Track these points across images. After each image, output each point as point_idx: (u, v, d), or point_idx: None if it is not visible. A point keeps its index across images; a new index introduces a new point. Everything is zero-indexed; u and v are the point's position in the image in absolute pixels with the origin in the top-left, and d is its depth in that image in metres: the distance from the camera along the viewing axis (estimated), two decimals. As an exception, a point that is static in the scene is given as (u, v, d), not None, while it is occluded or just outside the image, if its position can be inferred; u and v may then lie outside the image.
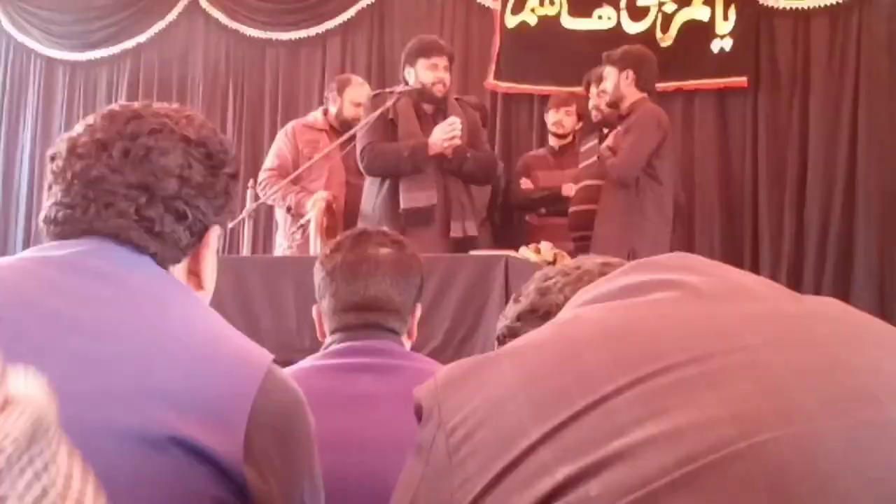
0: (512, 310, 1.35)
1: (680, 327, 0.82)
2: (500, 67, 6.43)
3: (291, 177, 4.91)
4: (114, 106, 1.31)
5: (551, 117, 5.52)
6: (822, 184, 5.70)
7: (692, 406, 0.73)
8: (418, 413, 0.86)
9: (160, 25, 7.39)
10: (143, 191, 1.23)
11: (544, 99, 6.13)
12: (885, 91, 5.61)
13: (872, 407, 0.73)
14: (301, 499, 1.23)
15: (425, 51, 4.66)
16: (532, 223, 5.47)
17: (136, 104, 1.31)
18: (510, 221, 5.54)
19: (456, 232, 4.57)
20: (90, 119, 1.28)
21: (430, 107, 4.70)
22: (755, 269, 5.71)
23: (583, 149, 5.17)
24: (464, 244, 4.49)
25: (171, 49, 7.39)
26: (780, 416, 0.72)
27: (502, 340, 1.32)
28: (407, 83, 4.69)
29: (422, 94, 4.65)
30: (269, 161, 5.28)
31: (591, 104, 5.08)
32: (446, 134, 4.48)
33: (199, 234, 1.30)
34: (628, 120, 4.60)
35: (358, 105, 5.15)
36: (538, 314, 1.25)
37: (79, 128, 1.28)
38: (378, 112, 4.64)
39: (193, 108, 1.40)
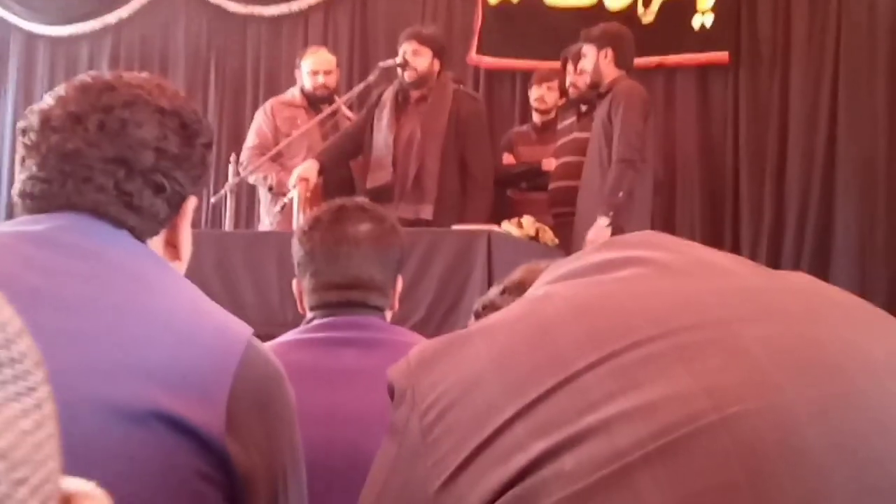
0: (495, 288, 1.36)
1: (650, 302, 0.82)
2: (482, 42, 6.41)
3: (270, 154, 4.91)
4: (84, 77, 1.29)
5: (534, 93, 5.52)
6: (802, 160, 5.72)
7: (664, 380, 0.74)
8: (391, 393, 0.87)
9: (141, 1, 7.33)
10: (120, 165, 1.22)
11: (526, 74, 6.11)
12: (865, 67, 5.62)
13: (842, 379, 0.74)
14: (283, 471, 1.24)
15: (400, 40, 4.85)
16: (513, 198, 5.48)
17: (107, 75, 1.30)
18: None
19: (405, 213, 4.59)
20: (61, 91, 1.27)
21: (415, 92, 4.75)
22: (735, 245, 5.73)
23: (560, 126, 5.17)
24: (416, 227, 4.49)
25: (152, 24, 7.32)
26: (751, 388, 0.73)
27: (480, 315, 1.33)
28: (403, 65, 4.80)
29: (401, 80, 4.79)
30: (250, 139, 5.27)
31: (567, 81, 5.09)
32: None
33: (177, 206, 1.30)
34: (608, 98, 4.60)
35: (315, 73, 5.16)
36: (524, 287, 1.27)
37: (50, 100, 1.26)
38: (356, 91, 4.77)
39: (175, 83, 1.38)
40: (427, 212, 4.67)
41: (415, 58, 4.76)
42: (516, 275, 1.34)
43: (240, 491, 1.16)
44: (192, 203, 1.33)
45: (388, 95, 4.81)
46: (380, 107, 4.82)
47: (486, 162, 5.01)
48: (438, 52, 4.87)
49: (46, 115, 1.24)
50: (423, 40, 4.81)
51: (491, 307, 1.31)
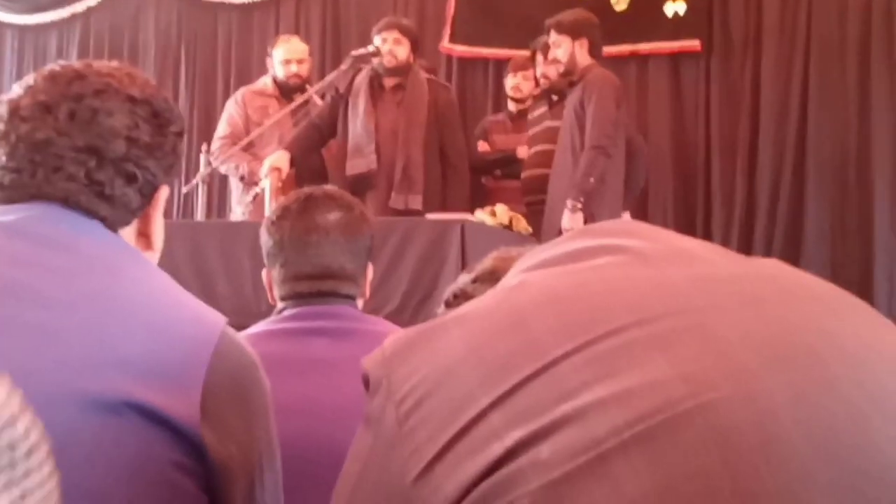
0: (466, 276, 1.35)
1: (626, 290, 0.82)
2: (454, 31, 6.40)
3: (242, 143, 4.88)
4: (54, 66, 1.27)
5: (510, 81, 5.53)
6: (773, 147, 5.76)
7: (640, 368, 0.74)
8: (366, 383, 0.87)
9: (110, -12, 7.28)
10: (91, 154, 1.21)
11: (499, 63, 6.12)
12: (836, 55, 5.66)
13: (817, 365, 0.75)
14: (259, 460, 1.23)
15: (379, 28, 4.85)
16: (488, 185, 5.49)
17: (76, 63, 1.28)
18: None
19: (396, 203, 4.66)
20: (30, 80, 1.25)
21: (391, 80, 4.75)
22: (707, 232, 5.77)
23: (531, 116, 5.18)
24: (407, 216, 4.52)
25: (121, 13, 7.27)
26: (727, 375, 0.73)
27: (451, 303, 1.32)
28: (376, 54, 4.81)
29: (380, 67, 4.80)
30: (221, 129, 5.23)
31: (538, 72, 5.09)
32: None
33: (149, 196, 1.29)
34: (580, 86, 4.60)
35: (288, 62, 5.15)
36: (497, 277, 1.26)
37: (18, 89, 1.24)
38: (328, 80, 4.76)
39: (145, 73, 1.37)
40: (417, 202, 4.70)
41: (396, 46, 4.79)
42: (488, 263, 1.33)
43: (215, 480, 1.15)
44: (164, 192, 1.32)
45: (362, 82, 4.81)
46: (353, 94, 4.81)
47: (463, 150, 5.08)
48: (415, 44, 4.92)
49: (15, 105, 1.22)
50: (403, 30, 4.85)
51: (462, 296, 1.30)
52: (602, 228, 0.96)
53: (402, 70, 4.81)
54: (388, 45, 4.76)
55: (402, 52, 4.80)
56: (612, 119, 4.50)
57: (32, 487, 0.54)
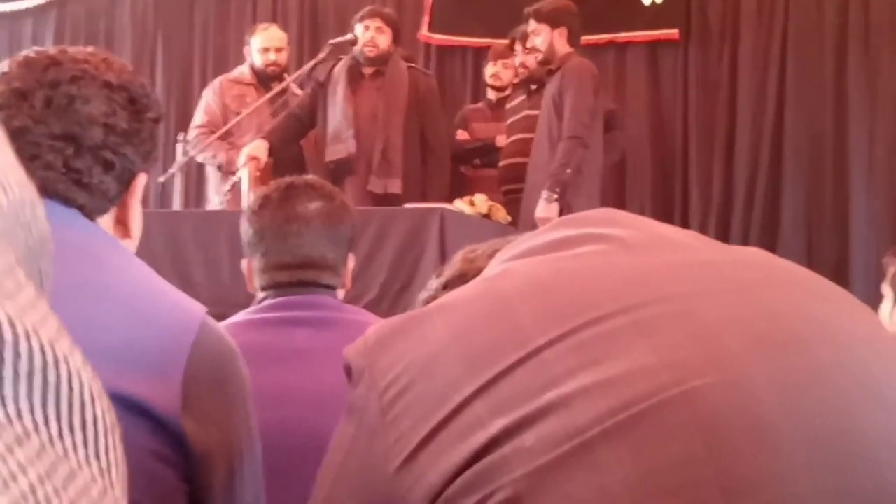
0: (436, 281, 1.34)
1: (609, 278, 0.82)
2: (433, 19, 6.39)
3: (219, 133, 4.85)
4: (28, 52, 1.26)
5: (489, 70, 5.52)
6: (750, 136, 5.78)
7: (624, 355, 0.74)
8: (348, 373, 0.86)
9: (86, -26, 7.21)
10: (69, 141, 1.19)
11: (478, 51, 6.11)
12: (813, 44, 5.68)
13: (801, 351, 0.75)
14: (239, 449, 1.23)
15: (361, 17, 4.84)
16: (466, 174, 5.49)
17: (51, 49, 1.26)
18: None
19: (375, 187, 4.65)
20: (4, 66, 1.23)
21: (370, 69, 4.75)
22: (685, 220, 5.79)
23: (510, 105, 5.18)
24: (386, 201, 4.52)
25: (97, 0, 7.21)
26: (711, 362, 0.73)
27: None
28: (354, 42, 4.79)
29: (361, 56, 4.79)
30: (198, 118, 5.19)
31: (517, 61, 5.08)
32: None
33: (127, 183, 1.28)
34: (558, 74, 4.60)
35: (266, 50, 5.12)
36: (466, 279, 1.25)
37: None
38: (307, 68, 4.75)
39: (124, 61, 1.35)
40: (396, 186, 4.69)
41: (378, 35, 4.77)
42: (456, 266, 1.32)
43: (196, 470, 1.15)
44: (142, 180, 1.31)
45: (341, 71, 4.79)
46: (332, 83, 4.79)
47: (444, 137, 5.08)
48: (397, 34, 4.92)
49: None
50: (386, 20, 4.85)
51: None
52: (584, 217, 0.96)
53: (382, 59, 4.80)
54: (371, 34, 4.74)
55: (384, 41, 4.78)
56: (589, 108, 4.50)
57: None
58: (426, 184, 4.85)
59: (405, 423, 0.78)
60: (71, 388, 0.42)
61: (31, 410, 0.39)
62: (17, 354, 0.39)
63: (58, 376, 0.41)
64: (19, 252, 0.46)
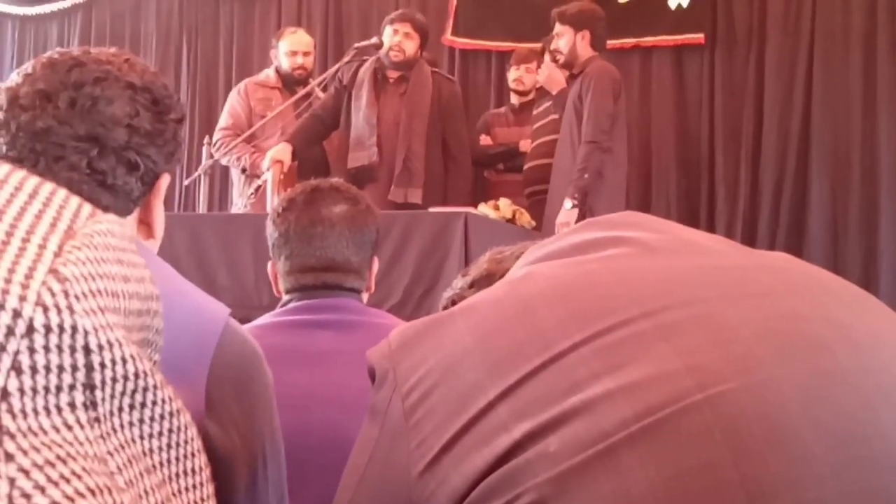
0: (461, 281, 1.34)
1: (633, 282, 0.82)
2: (457, 23, 6.39)
3: (245, 136, 4.88)
4: (52, 53, 1.26)
5: (512, 74, 5.52)
6: (777, 140, 5.74)
7: (648, 359, 0.74)
8: (372, 376, 0.86)
9: (111, -22, 7.26)
10: (93, 142, 1.20)
11: (502, 55, 6.11)
12: (840, 48, 5.64)
13: (825, 356, 0.75)
14: (262, 451, 1.23)
15: (391, 19, 4.82)
16: (490, 179, 5.48)
17: (75, 51, 1.26)
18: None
19: (395, 196, 4.64)
20: (28, 68, 1.24)
21: (394, 73, 4.74)
22: (711, 225, 5.76)
23: (536, 111, 5.17)
24: (406, 209, 4.50)
25: (122, 2, 7.25)
26: (734, 366, 0.73)
27: (449, 307, 1.31)
28: (379, 46, 4.78)
29: (387, 60, 4.78)
30: (223, 120, 5.23)
31: (542, 73, 5.06)
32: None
33: (150, 184, 1.28)
34: (581, 79, 4.59)
35: (294, 54, 5.15)
36: (493, 280, 1.25)
37: (17, 77, 1.23)
38: (331, 72, 4.74)
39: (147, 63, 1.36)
40: (416, 195, 4.68)
41: (406, 40, 4.76)
42: (483, 266, 1.32)
43: (219, 472, 1.14)
44: (165, 180, 1.31)
45: (366, 74, 4.79)
46: (356, 86, 4.79)
47: (465, 142, 5.05)
48: (424, 41, 4.90)
49: (14, 93, 1.21)
50: (416, 26, 4.84)
51: (460, 301, 1.30)
52: (608, 220, 0.96)
53: (407, 65, 4.79)
54: (399, 38, 4.73)
55: (411, 46, 4.78)
56: (608, 113, 4.49)
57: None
58: (447, 190, 4.84)
59: (428, 426, 0.77)
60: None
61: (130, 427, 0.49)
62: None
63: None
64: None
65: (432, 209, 4.11)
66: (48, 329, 0.52)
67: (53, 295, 0.53)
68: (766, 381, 0.72)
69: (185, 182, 5.08)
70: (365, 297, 1.95)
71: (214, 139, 5.07)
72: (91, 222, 0.60)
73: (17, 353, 0.50)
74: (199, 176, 4.70)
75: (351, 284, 1.88)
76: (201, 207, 4.83)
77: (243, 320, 1.51)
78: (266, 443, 1.24)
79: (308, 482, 1.50)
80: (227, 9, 7.09)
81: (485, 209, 4.14)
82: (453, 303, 1.31)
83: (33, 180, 0.59)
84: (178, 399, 0.65)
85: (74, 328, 0.53)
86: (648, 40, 5.97)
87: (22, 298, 0.52)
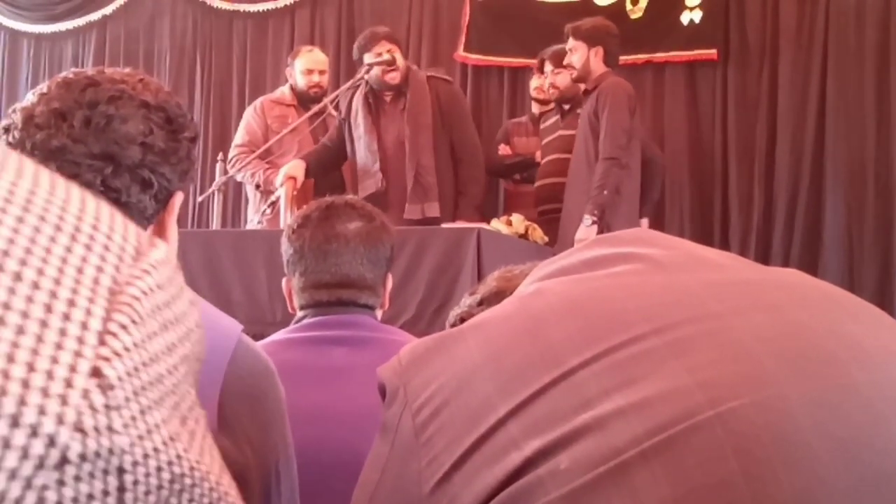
0: (469, 299, 1.34)
1: (643, 298, 0.82)
2: (469, 39, 6.40)
3: (259, 151, 4.90)
4: (67, 73, 1.28)
5: (533, 83, 5.53)
6: (790, 156, 5.73)
7: (659, 376, 0.74)
8: (382, 392, 0.86)
9: (125, -3, 7.30)
10: (107, 161, 1.21)
11: (514, 71, 6.12)
12: (853, 63, 5.63)
13: (837, 371, 0.74)
14: (275, 466, 1.23)
15: (367, 45, 4.76)
16: (508, 189, 5.48)
17: (89, 70, 1.28)
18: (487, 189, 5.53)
19: (412, 213, 4.63)
20: (43, 88, 1.25)
21: (389, 93, 4.75)
22: (725, 240, 5.74)
23: (544, 125, 5.17)
24: (426, 225, 4.49)
25: (136, 21, 7.30)
26: (746, 382, 0.73)
27: (457, 325, 1.32)
28: (368, 71, 4.74)
29: (380, 85, 4.76)
30: (239, 137, 5.26)
31: (546, 83, 5.07)
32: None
33: (164, 202, 1.29)
34: (594, 94, 4.59)
35: (310, 72, 5.18)
36: (503, 297, 1.25)
37: (32, 97, 1.25)
38: (344, 88, 4.76)
39: (160, 81, 1.37)
40: (434, 209, 4.67)
41: (397, 55, 4.75)
42: (492, 284, 1.32)
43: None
44: (178, 198, 1.32)
45: (358, 102, 4.79)
46: (353, 115, 4.80)
47: (473, 141, 5.00)
48: (402, 48, 4.91)
49: (30, 113, 1.22)
50: (390, 38, 4.81)
51: (469, 319, 1.30)
52: (617, 237, 0.96)
53: (405, 79, 4.75)
54: (387, 56, 4.68)
55: (401, 58, 4.77)
56: (625, 129, 4.49)
57: None
58: (458, 194, 4.81)
59: (439, 443, 0.77)
60: None
61: None
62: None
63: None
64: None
65: (445, 225, 4.12)
66: (83, 458, 0.44)
67: (95, 413, 0.45)
68: (777, 397, 0.72)
69: (199, 199, 5.09)
70: (379, 313, 1.95)
71: (230, 156, 5.09)
72: (137, 270, 0.51)
73: (44, 487, 0.43)
74: (213, 193, 4.71)
75: (365, 301, 1.89)
76: (214, 224, 4.84)
77: (257, 336, 1.52)
78: (279, 458, 1.24)
79: (320, 498, 1.50)
80: (241, 27, 7.13)
81: (497, 224, 4.14)
82: (462, 320, 1.31)
83: (73, 209, 0.50)
84: (223, 480, 0.59)
85: (111, 451, 0.45)
86: (661, 56, 5.97)
87: (59, 422, 0.43)
